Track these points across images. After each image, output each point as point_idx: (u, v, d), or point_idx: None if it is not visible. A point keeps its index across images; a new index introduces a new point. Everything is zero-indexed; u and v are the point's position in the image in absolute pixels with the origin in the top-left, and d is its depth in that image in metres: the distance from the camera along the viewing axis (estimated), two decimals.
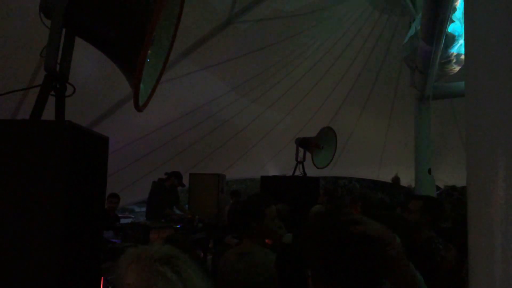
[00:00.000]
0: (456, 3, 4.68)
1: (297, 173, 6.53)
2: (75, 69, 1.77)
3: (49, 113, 1.66)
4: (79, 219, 1.58)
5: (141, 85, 1.56)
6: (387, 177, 11.96)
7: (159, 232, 4.86)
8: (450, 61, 5.33)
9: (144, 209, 9.24)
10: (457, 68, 5.52)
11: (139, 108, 1.66)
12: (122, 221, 7.12)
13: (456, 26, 4.94)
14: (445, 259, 2.61)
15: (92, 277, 1.76)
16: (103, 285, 3.36)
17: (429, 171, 6.07)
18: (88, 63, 4.13)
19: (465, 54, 1.32)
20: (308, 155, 6.62)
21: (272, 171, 9.73)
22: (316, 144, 6.57)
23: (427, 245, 2.87)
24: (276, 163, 10.18)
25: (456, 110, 8.10)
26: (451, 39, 4.98)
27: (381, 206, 3.42)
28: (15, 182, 1.46)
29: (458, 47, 5.15)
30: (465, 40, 1.32)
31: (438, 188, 8.05)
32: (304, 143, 6.59)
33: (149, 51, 1.55)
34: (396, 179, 9.01)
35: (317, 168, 6.74)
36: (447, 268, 2.48)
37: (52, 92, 1.65)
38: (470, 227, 1.14)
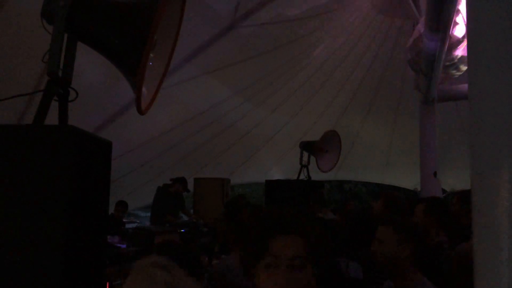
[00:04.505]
0: (459, 6, 4.67)
1: (302, 177, 6.52)
2: (78, 74, 1.77)
3: (54, 118, 1.67)
4: (82, 223, 1.58)
5: (144, 89, 1.57)
6: (392, 181, 11.93)
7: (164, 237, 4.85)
8: (454, 64, 5.31)
9: (149, 214, 9.24)
10: (461, 70, 5.51)
11: (142, 112, 1.66)
12: (127, 226, 7.12)
13: (460, 28, 4.93)
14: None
15: (96, 282, 1.75)
16: None
17: (435, 174, 6.05)
18: (91, 68, 4.14)
19: (468, 56, 1.31)
20: (312, 159, 6.61)
21: (277, 175, 9.70)
22: (320, 147, 6.55)
23: (435, 252, 2.81)
24: (281, 167, 10.16)
25: (461, 112, 8.05)
26: (455, 42, 4.97)
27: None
28: (18, 186, 1.46)
29: (462, 50, 5.14)
30: (468, 41, 1.31)
31: (444, 191, 8.01)
32: (308, 147, 6.57)
33: (151, 55, 1.56)
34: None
35: (322, 172, 6.72)
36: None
37: (55, 97, 1.66)
38: (475, 229, 1.13)
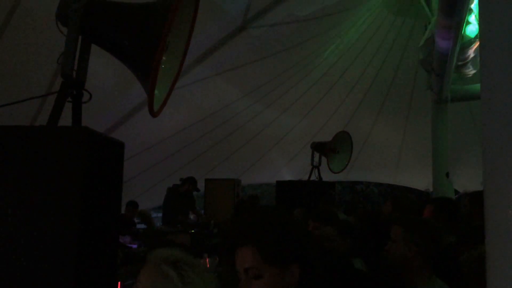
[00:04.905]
0: (472, 5, 4.63)
1: (313, 177, 6.51)
2: (92, 76, 1.79)
3: (68, 120, 1.69)
4: (94, 223, 1.59)
5: (156, 91, 1.58)
6: (404, 182, 11.84)
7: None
8: (466, 64, 5.27)
9: (160, 214, 9.30)
10: (474, 71, 5.46)
11: (154, 114, 1.68)
12: (138, 226, 7.17)
13: (473, 28, 4.88)
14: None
15: (108, 282, 1.77)
16: None
17: (447, 174, 6.00)
18: (104, 69, 4.18)
19: (481, 56, 1.30)
20: (323, 159, 6.60)
21: (288, 176, 9.70)
22: (331, 148, 6.54)
23: (445, 253, 2.78)
24: (292, 168, 10.15)
25: (474, 112, 7.98)
26: (468, 41, 4.93)
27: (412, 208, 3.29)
28: (32, 187, 1.48)
29: (475, 49, 5.09)
30: (480, 41, 1.30)
31: (456, 191, 7.94)
32: (319, 148, 6.57)
33: (163, 57, 1.57)
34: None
35: (333, 172, 6.71)
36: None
37: (69, 99, 1.68)
38: (488, 230, 1.13)
